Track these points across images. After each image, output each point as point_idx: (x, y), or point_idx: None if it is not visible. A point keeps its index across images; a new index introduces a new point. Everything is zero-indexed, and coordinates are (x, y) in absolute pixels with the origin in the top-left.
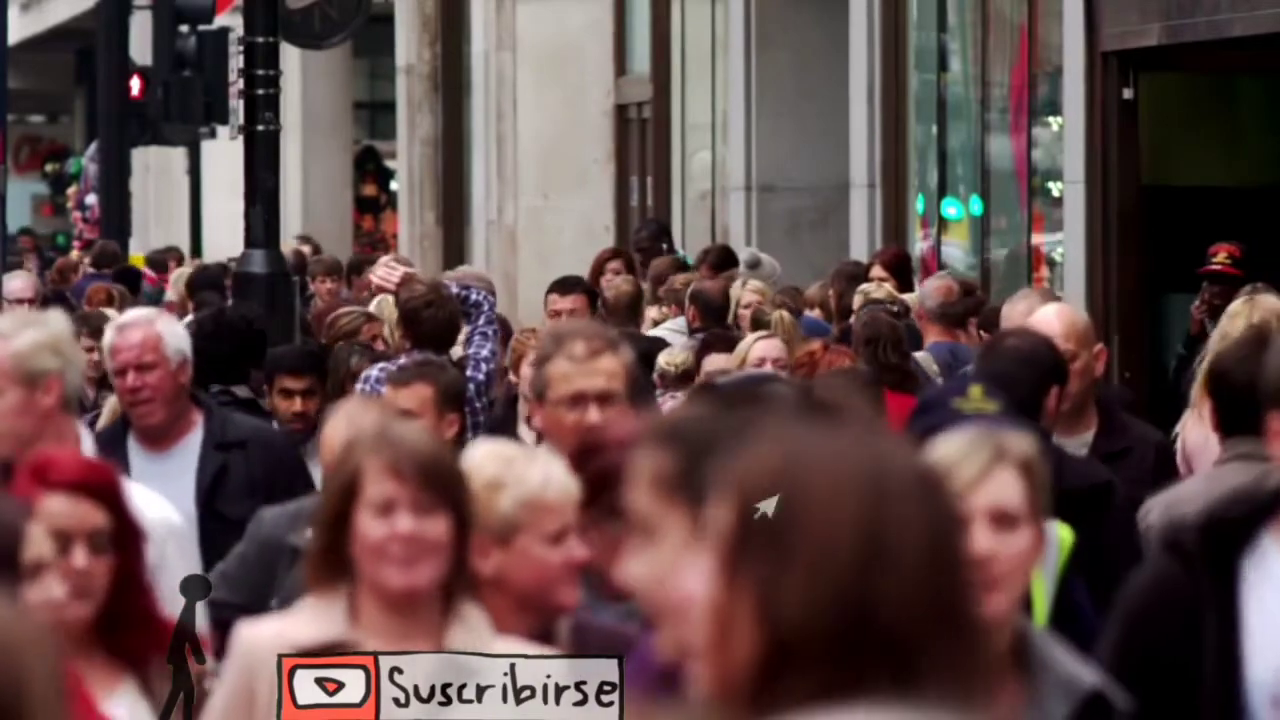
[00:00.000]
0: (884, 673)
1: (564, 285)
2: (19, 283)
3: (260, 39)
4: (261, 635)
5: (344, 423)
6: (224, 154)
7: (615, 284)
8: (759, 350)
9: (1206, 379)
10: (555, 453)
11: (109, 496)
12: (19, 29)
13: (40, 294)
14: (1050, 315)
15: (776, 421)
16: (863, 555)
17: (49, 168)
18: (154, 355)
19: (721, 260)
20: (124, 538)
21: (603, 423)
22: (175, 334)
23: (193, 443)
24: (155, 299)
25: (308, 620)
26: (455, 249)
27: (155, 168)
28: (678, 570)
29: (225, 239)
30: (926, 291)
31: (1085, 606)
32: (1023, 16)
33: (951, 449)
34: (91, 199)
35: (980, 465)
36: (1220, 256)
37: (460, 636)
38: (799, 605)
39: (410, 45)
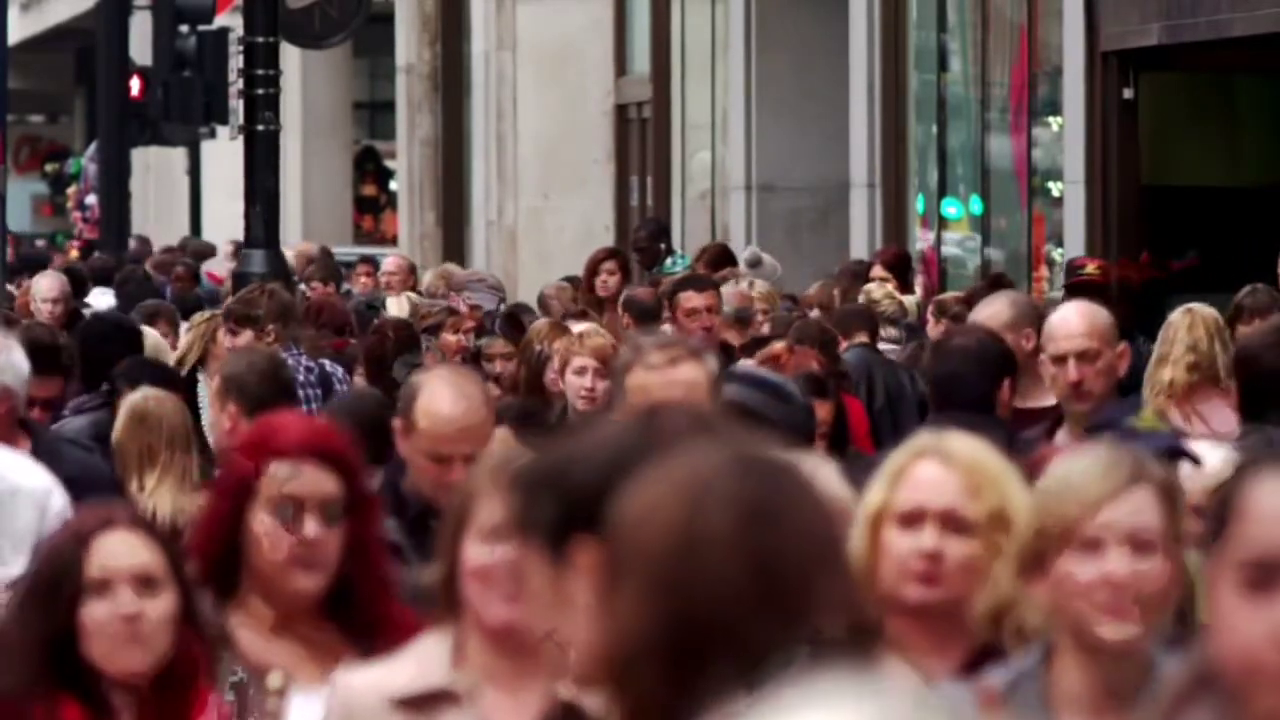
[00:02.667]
0: (727, 663)
1: (698, 282)
2: (47, 282)
3: (260, 39)
4: (360, 682)
5: (449, 390)
6: (224, 154)
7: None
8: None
9: (1235, 364)
10: None
11: (341, 463)
12: (19, 29)
13: (67, 294)
14: (1070, 314)
15: (610, 452)
16: (676, 559)
17: (49, 168)
18: None
19: (718, 259)
20: (357, 507)
21: None
22: None
23: None
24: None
25: (409, 664)
26: (455, 249)
27: (155, 168)
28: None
29: (225, 239)
30: (724, 297)
31: None
32: (1023, 16)
33: (1085, 465)
34: (91, 199)
35: (1115, 485)
36: (1090, 268)
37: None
38: (631, 617)
39: (410, 45)
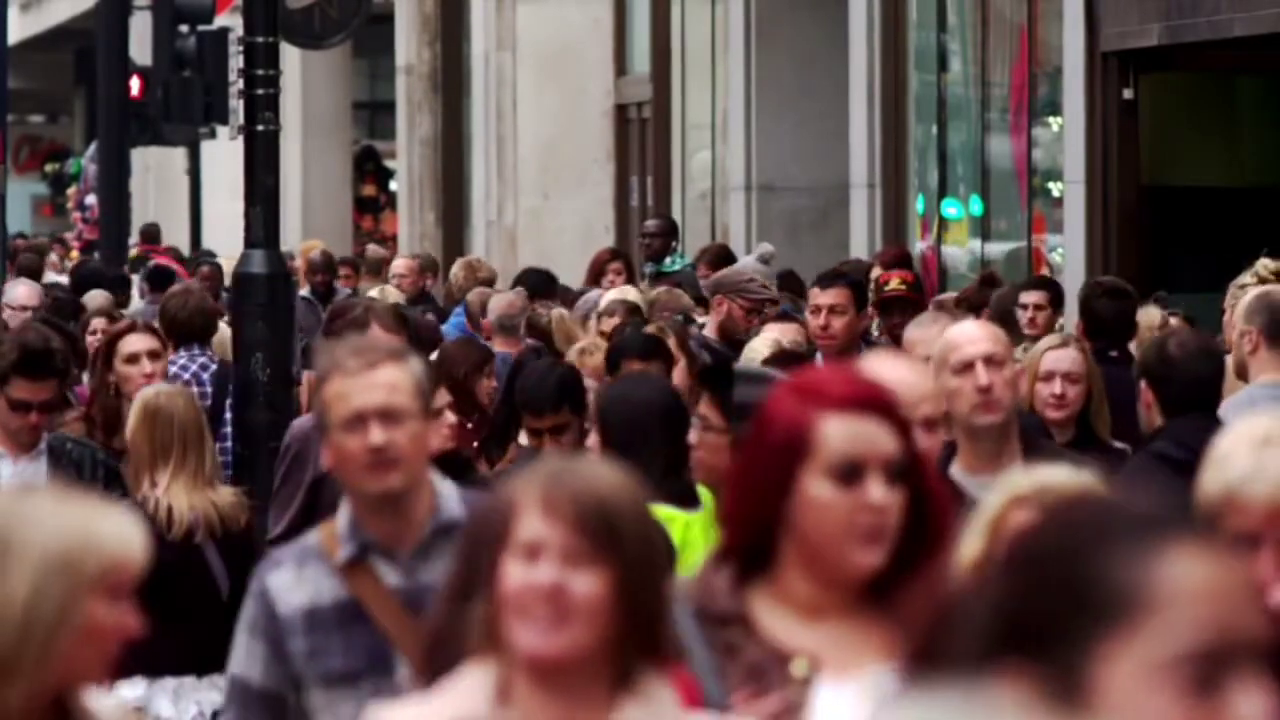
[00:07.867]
0: None
1: (827, 278)
2: (23, 290)
3: (260, 39)
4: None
5: None
6: (224, 154)
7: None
8: (1050, 362)
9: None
10: (349, 489)
11: (898, 418)
12: (19, 29)
13: (43, 302)
14: (970, 327)
15: None
16: None
17: (49, 168)
18: None
19: (719, 259)
20: (913, 470)
21: (392, 444)
22: None
23: None
24: None
25: (449, 701)
26: (455, 249)
27: (155, 168)
28: None
29: (225, 239)
30: (492, 305)
31: None
32: (1023, 16)
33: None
34: (91, 199)
35: None
36: (894, 283)
37: (635, 718)
38: None
39: (410, 45)
